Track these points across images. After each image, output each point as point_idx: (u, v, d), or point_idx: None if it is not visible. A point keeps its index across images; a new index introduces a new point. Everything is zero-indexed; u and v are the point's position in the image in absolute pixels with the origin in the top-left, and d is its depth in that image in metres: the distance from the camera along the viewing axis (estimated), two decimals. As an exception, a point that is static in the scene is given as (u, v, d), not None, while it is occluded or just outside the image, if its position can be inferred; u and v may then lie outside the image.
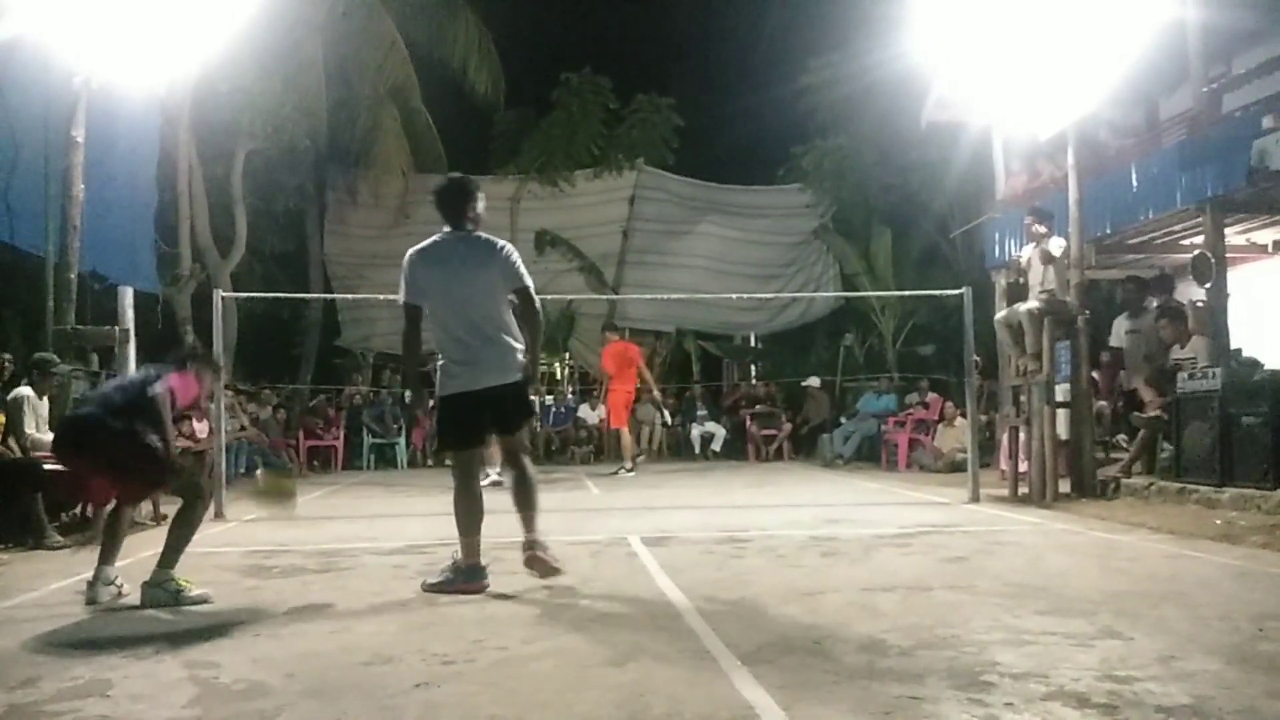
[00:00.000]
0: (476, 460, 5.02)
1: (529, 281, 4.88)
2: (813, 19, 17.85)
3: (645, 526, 6.93)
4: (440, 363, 4.85)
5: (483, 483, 4.79)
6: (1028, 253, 8.94)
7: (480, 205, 5.03)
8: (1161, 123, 11.12)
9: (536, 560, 4.73)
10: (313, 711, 2.90)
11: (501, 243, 4.94)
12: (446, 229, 4.93)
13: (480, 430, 4.90)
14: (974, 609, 4.11)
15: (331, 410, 16.38)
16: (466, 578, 4.69)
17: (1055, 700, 2.86)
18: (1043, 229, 8.68)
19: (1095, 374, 9.34)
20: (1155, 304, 9.71)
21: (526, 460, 4.95)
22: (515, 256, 4.90)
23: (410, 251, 4.88)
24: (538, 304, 4.93)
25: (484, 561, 4.79)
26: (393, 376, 18.99)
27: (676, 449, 17.37)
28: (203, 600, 4.51)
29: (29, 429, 7.35)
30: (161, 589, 4.52)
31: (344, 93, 17.17)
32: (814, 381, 16.82)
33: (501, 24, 18.75)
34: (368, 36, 16.93)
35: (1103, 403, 9.72)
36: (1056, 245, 8.54)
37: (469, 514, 4.79)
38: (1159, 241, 10.77)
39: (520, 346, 4.85)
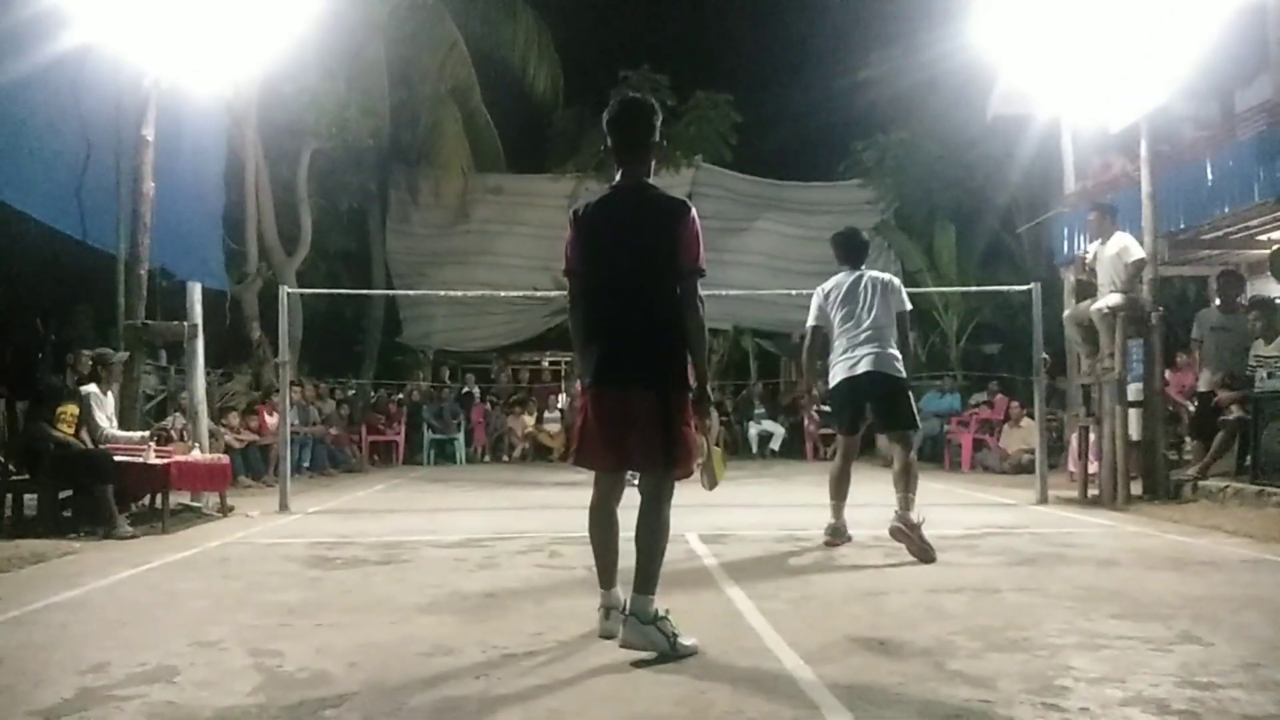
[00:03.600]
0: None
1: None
2: (874, 11, 17.60)
3: (703, 524, 6.88)
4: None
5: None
6: (1093, 249, 8.68)
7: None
8: (1238, 114, 10.74)
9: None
10: (374, 700, 2.90)
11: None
12: (846, 269, 6.05)
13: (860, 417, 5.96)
14: (1045, 612, 3.99)
15: (393, 406, 16.58)
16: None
17: (1134, 706, 2.76)
18: (1105, 225, 8.45)
19: (1169, 373, 9.05)
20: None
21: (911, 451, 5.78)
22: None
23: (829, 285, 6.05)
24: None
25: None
26: (452, 374, 19.16)
27: (734, 448, 17.26)
28: (693, 652, 3.37)
29: (101, 423, 7.56)
30: (658, 630, 3.36)
31: (406, 93, 17.36)
32: None
33: (560, 23, 18.81)
34: (429, 37, 17.09)
35: (1186, 402, 9.45)
36: (1118, 246, 8.29)
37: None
38: (1235, 237, 10.43)
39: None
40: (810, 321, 6.11)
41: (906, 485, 5.55)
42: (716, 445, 4.03)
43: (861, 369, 5.69)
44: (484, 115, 18.57)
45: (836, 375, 5.86)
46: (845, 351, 5.82)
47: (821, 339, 6.08)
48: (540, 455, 16.34)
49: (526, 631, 3.73)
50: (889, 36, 17.02)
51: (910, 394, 5.88)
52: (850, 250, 6.15)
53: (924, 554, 5.34)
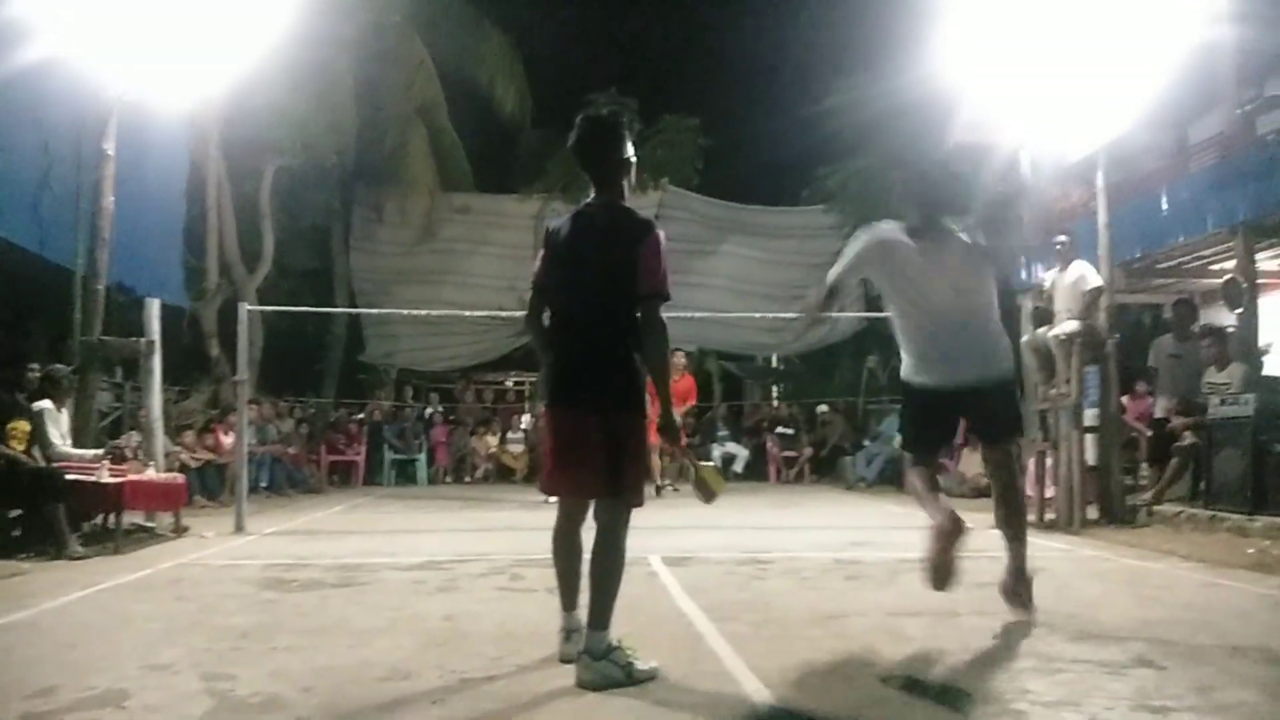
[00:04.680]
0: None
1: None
2: (839, 40, 17.84)
3: (665, 546, 6.87)
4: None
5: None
6: (1051, 276, 8.84)
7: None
8: (1192, 146, 11.02)
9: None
10: (329, 726, 2.86)
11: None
12: (918, 221, 4.31)
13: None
14: (1003, 635, 4.02)
15: (353, 425, 16.42)
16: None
17: (1089, 730, 2.78)
18: (1068, 252, 8.60)
19: (1127, 399, 9.20)
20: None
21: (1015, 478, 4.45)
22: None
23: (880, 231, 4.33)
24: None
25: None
26: (415, 393, 19.03)
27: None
28: (653, 676, 3.34)
29: (54, 440, 7.42)
30: (611, 663, 3.29)
31: (372, 111, 17.29)
32: (823, 408, 16.79)
33: (529, 44, 18.87)
34: (397, 55, 17.06)
35: (1145, 429, 9.63)
36: (1075, 274, 8.44)
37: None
38: (1188, 266, 10.66)
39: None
40: (831, 275, 4.39)
41: (1011, 525, 4.33)
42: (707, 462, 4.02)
43: (967, 378, 4.17)
44: (451, 134, 18.54)
45: (914, 379, 4.37)
46: (934, 359, 4.29)
47: (833, 301, 4.49)
48: (503, 476, 16.25)
49: (486, 655, 3.70)
50: (853, 65, 17.23)
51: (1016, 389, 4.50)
52: (928, 193, 4.29)
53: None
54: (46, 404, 7.46)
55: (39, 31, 7.92)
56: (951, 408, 4.36)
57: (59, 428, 7.55)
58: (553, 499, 3.74)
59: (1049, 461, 8.78)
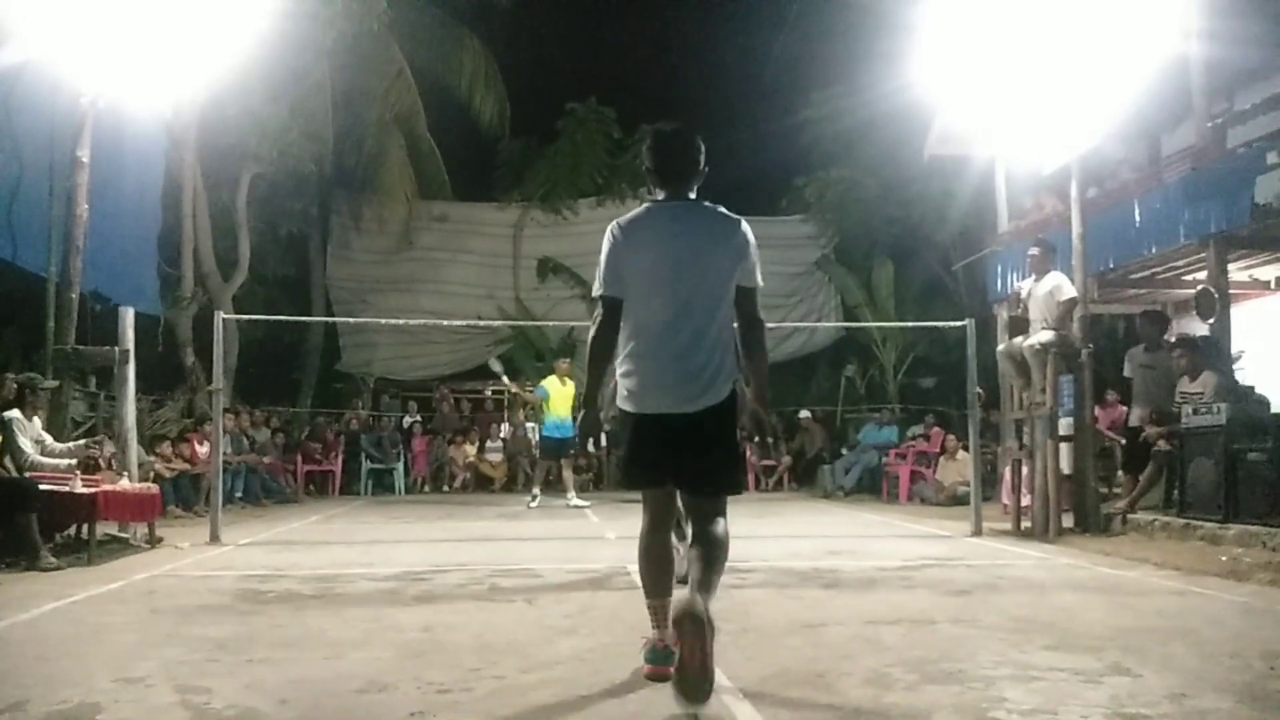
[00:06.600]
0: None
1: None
2: (817, 52, 17.95)
3: (645, 556, 6.85)
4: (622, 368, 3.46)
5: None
6: (1027, 285, 8.91)
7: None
8: (1164, 158, 11.15)
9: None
10: (305, 739, 2.83)
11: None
12: (662, 193, 3.52)
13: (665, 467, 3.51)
14: (979, 643, 4.05)
15: (330, 435, 16.32)
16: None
17: (1065, 738, 2.80)
18: (1045, 262, 8.68)
19: (1098, 409, 9.29)
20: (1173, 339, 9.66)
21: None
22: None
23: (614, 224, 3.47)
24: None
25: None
26: (391, 401, 18.94)
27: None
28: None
29: (26, 449, 7.32)
30: None
31: (350, 118, 17.25)
32: (805, 414, 16.83)
33: (508, 53, 18.89)
34: (375, 63, 17.03)
35: (1117, 438, 9.72)
36: (1051, 284, 8.53)
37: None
38: (1161, 276, 10.76)
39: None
40: (598, 288, 3.42)
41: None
42: None
43: (659, 406, 3.38)
44: (429, 142, 18.52)
45: (622, 400, 3.47)
46: (638, 358, 3.38)
47: (617, 329, 3.42)
48: (481, 485, 16.18)
49: (464, 667, 3.68)
50: (832, 77, 17.36)
51: (737, 437, 3.78)
52: (666, 155, 3.53)
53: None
54: (15, 413, 7.37)
55: (11, 35, 7.85)
56: (657, 435, 3.43)
57: (28, 435, 7.45)
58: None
59: (1025, 470, 8.86)
